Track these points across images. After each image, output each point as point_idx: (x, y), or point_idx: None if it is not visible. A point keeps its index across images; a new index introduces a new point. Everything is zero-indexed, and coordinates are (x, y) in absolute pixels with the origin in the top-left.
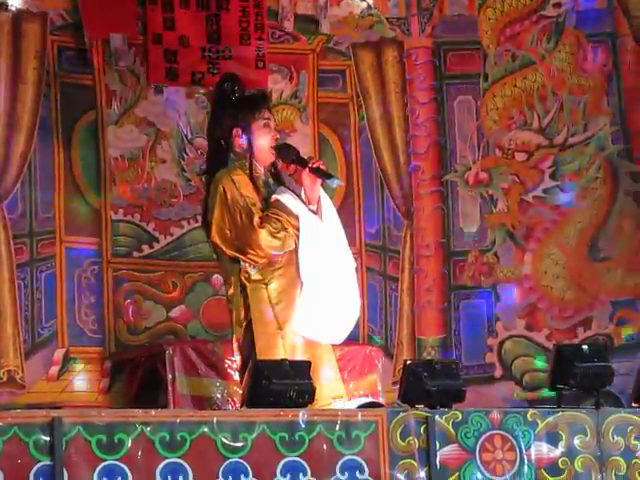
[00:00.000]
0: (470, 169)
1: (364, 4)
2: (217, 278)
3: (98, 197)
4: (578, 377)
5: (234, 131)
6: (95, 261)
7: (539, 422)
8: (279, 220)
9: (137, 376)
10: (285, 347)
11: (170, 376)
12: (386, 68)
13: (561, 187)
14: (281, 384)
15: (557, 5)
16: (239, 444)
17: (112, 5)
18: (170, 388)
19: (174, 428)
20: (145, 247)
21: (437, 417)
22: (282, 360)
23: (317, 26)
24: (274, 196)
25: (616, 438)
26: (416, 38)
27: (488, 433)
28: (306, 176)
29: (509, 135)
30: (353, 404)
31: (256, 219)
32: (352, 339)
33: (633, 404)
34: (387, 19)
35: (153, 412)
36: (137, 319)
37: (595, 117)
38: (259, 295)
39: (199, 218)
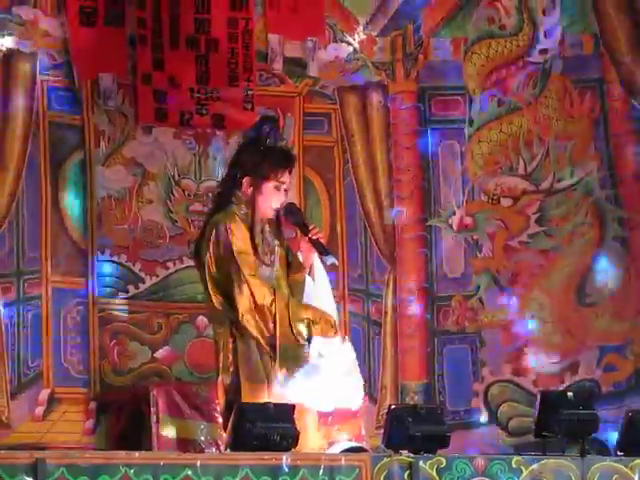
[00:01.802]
0: (454, 214)
1: (350, 48)
2: (202, 320)
3: (85, 237)
4: (563, 424)
5: (245, 179)
6: (81, 301)
7: (523, 469)
8: None
9: (121, 417)
10: (271, 399)
11: (154, 418)
12: (371, 112)
13: (547, 232)
14: (265, 427)
15: (544, 51)
16: None
17: (102, 45)
18: (154, 430)
19: (158, 471)
20: (131, 288)
21: (421, 463)
22: (266, 403)
23: (304, 69)
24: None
25: None
26: (401, 83)
27: None
28: (304, 243)
29: (495, 180)
30: (337, 449)
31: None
32: None
33: (619, 452)
34: (372, 63)
35: (137, 454)
36: (122, 360)
37: (582, 163)
38: (248, 345)
39: (185, 259)
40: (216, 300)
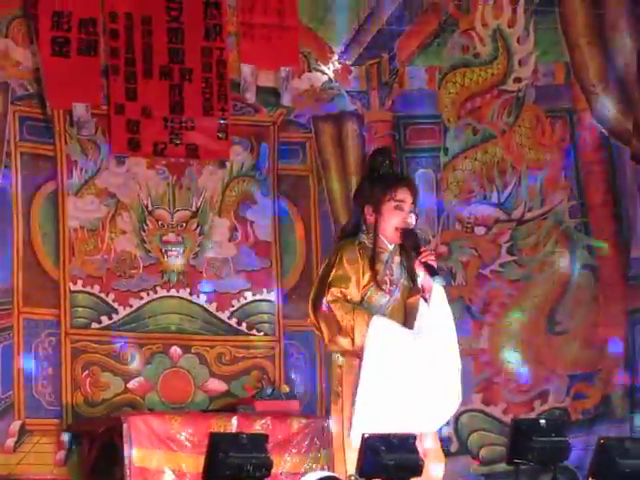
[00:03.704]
0: (429, 242)
1: (325, 77)
2: (175, 350)
3: (57, 268)
4: (536, 452)
5: (365, 208)
6: (53, 332)
7: None
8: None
9: (94, 448)
10: None
11: (127, 448)
12: (346, 141)
13: (518, 261)
14: (238, 457)
15: (518, 80)
16: None
17: (76, 75)
18: (127, 461)
19: None
20: (104, 318)
21: None
22: (239, 434)
23: (278, 98)
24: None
25: None
26: (376, 112)
27: None
28: (418, 265)
29: (469, 209)
30: (312, 477)
31: (332, 291)
32: (310, 411)
33: (590, 479)
34: (347, 92)
35: None
36: (95, 391)
37: (553, 192)
38: (351, 368)
39: (158, 289)
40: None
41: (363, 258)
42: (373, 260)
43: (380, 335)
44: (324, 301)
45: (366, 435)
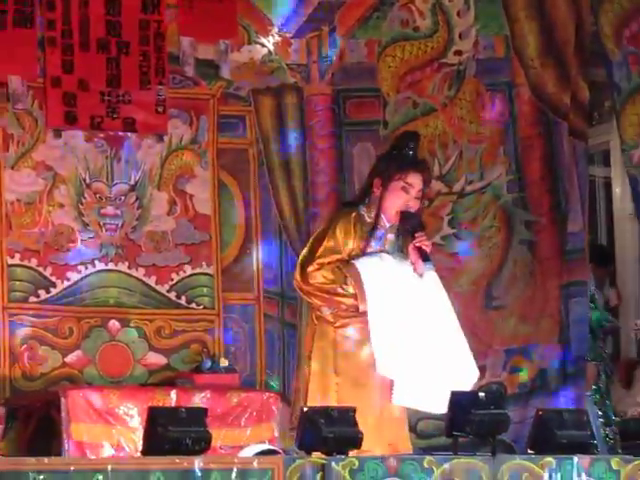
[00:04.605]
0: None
1: (265, 50)
2: (114, 324)
3: None
4: (474, 424)
5: (375, 180)
6: None
7: (435, 469)
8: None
9: (31, 423)
10: (339, 394)
11: (65, 423)
12: (286, 114)
13: (458, 235)
14: (177, 431)
15: (458, 53)
16: None
17: (10, 47)
18: (65, 435)
19: (68, 476)
20: (42, 292)
21: (333, 464)
22: (178, 408)
23: (218, 71)
24: (354, 262)
25: None
26: (316, 85)
27: None
28: (411, 249)
29: None
30: (249, 451)
31: (318, 261)
32: (250, 385)
33: (529, 450)
34: (287, 65)
35: (46, 460)
36: (33, 365)
37: (491, 166)
38: (326, 335)
39: (97, 263)
40: None
41: (356, 230)
42: (371, 234)
43: (373, 271)
44: (311, 270)
45: (305, 409)
